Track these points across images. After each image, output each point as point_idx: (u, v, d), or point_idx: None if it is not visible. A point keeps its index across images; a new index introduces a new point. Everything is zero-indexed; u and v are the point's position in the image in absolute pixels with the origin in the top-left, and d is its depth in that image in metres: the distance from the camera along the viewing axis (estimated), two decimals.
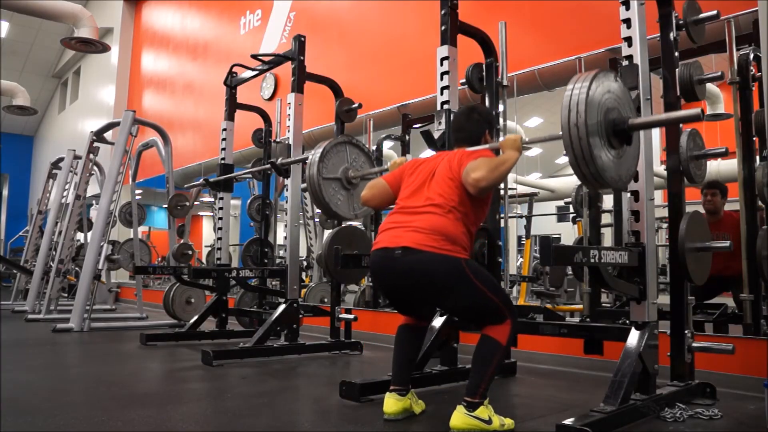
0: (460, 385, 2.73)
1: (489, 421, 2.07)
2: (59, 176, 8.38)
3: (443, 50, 3.16)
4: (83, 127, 13.65)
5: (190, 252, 6.69)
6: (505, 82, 3.49)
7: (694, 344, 2.58)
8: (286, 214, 4.15)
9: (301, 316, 4.03)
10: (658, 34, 2.77)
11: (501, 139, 2.42)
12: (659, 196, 3.99)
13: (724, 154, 2.88)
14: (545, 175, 12.46)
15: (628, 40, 2.48)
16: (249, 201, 6.39)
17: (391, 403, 2.28)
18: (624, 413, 2.15)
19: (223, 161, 4.91)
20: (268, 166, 4.24)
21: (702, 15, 2.87)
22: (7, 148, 16.03)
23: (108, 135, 7.49)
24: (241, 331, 4.88)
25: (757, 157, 3.48)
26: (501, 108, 3.48)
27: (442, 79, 3.13)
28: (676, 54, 2.80)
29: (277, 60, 4.57)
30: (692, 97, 3.00)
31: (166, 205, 6.79)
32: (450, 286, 2.16)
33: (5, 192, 17.67)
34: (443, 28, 3.18)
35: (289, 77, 4.24)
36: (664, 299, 2.64)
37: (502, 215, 3.44)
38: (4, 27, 13.70)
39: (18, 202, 17.08)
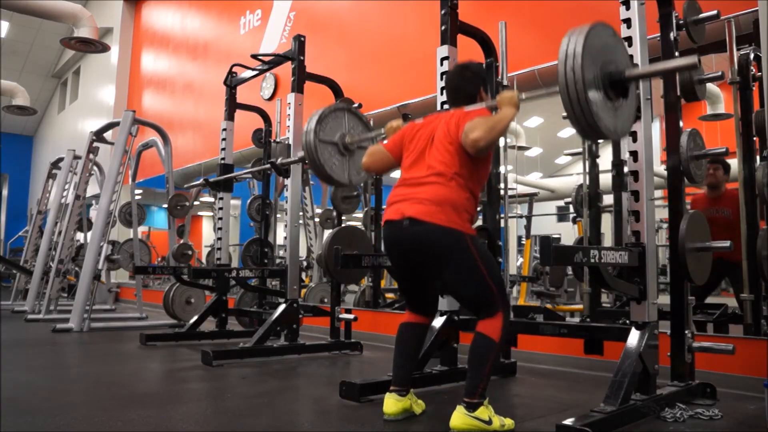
0: (460, 385, 2.72)
1: (489, 422, 2.07)
2: (59, 176, 8.38)
3: (443, 50, 3.16)
4: (83, 127, 13.65)
5: (189, 252, 6.69)
6: (505, 82, 3.49)
7: (695, 344, 2.58)
8: (286, 214, 4.15)
9: (301, 316, 4.02)
10: (659, 34, 2.77)
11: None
12: (659, 196, 3.99)
13: (725, 155, 2.89)
14: (545, 175, 12.47)
15: (629, 39, 2.48)
16: (249, 201, 6.39)
17: (391, 404, 2.27)
18: (624, 413, 2.15)
19: (223, 161, 4.91)
20: (268, 166, 4.23)
21: (702, 15, 2.87)
22: (7, 148, 16.04)
23: (108, 135, 7.49)
24: (241, 331, 4.88)
25: (758, 157, 3.48)
26: None
27: (442, 79, 3.13)
28: (677, 54, 2.80)
29: (277, 60, 4.57)
30: (692, 97, 3.01)
31: (166, 205, 6.79)
32: (451, 256, 2.16)
33: (5, 192, 17.68)
34: (443, 28, 3.18)
35: (289, 77, 4.24)
36: (665, 299, 2.64)
37: (502, 215, 3.43)
38: (4, 27, 13.70)
39: (18, 202, 17.08)
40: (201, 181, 5.11)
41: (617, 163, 4.03)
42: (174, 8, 11.17)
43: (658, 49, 2.76)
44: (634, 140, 2.48)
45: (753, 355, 2.87)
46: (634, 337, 2.34)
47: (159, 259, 11.33)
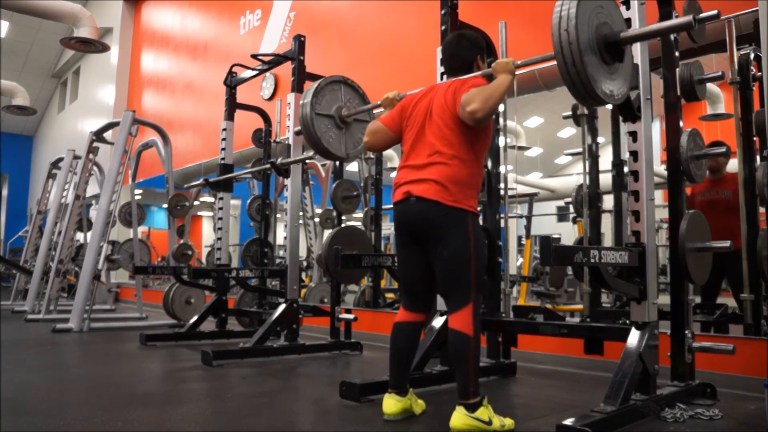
0: None
1: (489, 422, 2.06)
2: (59, 176, 8.38)
3: None
4: (83, 127, 13.65)
5: (189, 252, 6.69)
6: None
7: (695, 344, 2.58)
8: (286, 214, 4.15)
9: (301, 316, 4.02)
10: None
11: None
12: (659, 196, 3.98)
13: (725, 154, 2.88)
14: (545, 175, 12.47)
15: None
16: (249, 201, 6.40)
17: (391, 404, 2.27)
18: (624, 413, 2.15)
19: (223, 161, 4.90)
20: (268, 166, 4.23)
21: (702, 15, 2.86)
22: (7, 148, 16.03)
23: (108, 135, 7.49)
24: (241, 331, 4.88)
25: (758, 157, 3.48)
26: (501, 108, 3.48)
27: (442, 79, 3.13)
28: (677, 54, 2.80)
29: (277, 60, 4.57)
30: (693, 97, 3.01)
31: (165, 205, 6.79)
32: (450, 232, 2.19)
33: (5, 192, 17.67)
34: (443, 28, 3.18)
35: (289, 77, 4.24)
36: (665, 299, 2.64)
37: (502, 215, 3.43)
38: (4, 27, 13.69)
39: (18, 202, 17.08)
40: (201, 181, 5.11)
41: (617, 163, 4.04)
42: (174, 8, 11.17)
43: (658, 49, 2.76)
44: (634, 140, 2.48)
45: (753, 355, 2.87)
46: (634, 337, 2.34)
47: (159, 259, 11.33)
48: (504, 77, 2.22)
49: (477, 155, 2.30)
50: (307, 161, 4.27)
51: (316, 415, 2.53)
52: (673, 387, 2.52)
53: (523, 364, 3.49)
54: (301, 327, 4.05)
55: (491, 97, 2.13)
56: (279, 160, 4.04)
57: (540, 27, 4.82)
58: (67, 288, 8.45)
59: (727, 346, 2.52)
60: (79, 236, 8.28)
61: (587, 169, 4.13)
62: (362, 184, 5.95)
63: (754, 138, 3.49)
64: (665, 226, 4.36)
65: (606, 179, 4.21)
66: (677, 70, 2.82)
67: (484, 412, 2.08)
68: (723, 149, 2.85)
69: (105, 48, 9.77)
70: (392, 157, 8.70)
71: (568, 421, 1.94)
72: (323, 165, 7.50)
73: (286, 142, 4.12)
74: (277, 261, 6.08)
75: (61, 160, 8.58)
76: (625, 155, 2.59)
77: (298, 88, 4.14)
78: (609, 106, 2.78)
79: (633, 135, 2.49)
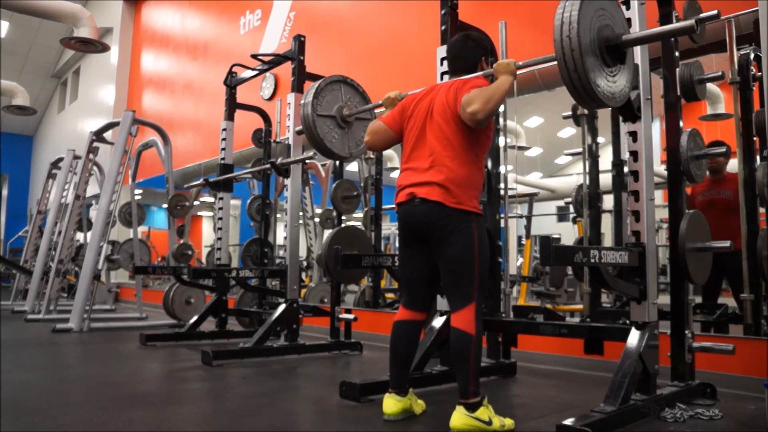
0: None
1: (489, 422, 2.06)
2: (59, 176, 8.38)
3: (443, 50, 3.15)
4: (83, 127, 13.65)
5: (189, 252, 6.69)
6: None
7: (695, 344, 2.58)
8: (286, 214, 4.15)
9: (301, 316, 4.02)
10: None
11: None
12: (659, 196, 3.99)
13: (725, 155, 2.88)
14: (545, 175, 12.47)
15: None
16: (249, 201, 6.40)
17: (391, 404, 2.27)
18: (624, 413, 2.15)
19: (223, 161, 4.90)
20: (268, 166, 4.23)
21: (702, 15, 2.86)
22: (7, 148, 16.03)
23: (108, 135, 7.49)
24: (241, 331, 4.88)
25: (758, 157, 3.48)
26: (501, 108, 3.48)
27: (441, 78, 3.13)
28: (677, 54, 2.80)
29: (277, 60, 4.57)
30: (693, 97, 3.01)
31: (165, 205, 6.79)
32: (453, 229, 2.19)
33: (5, 192, 17.67)
34: (443, 28, 3.18)
35: (289, 77, 4.24)
36: (665, 299, 2.64)
37: (502, 215, 3.43)
38: (4, 27, 13.69)
39: (18, 202, 17.08)
40: (201, 181, 5.11)
41: (617, 163, 4.04)
42: (174, 8, 11.17)
43: (658, 49, 2.76)
44: (634, 140, 2.48)
45: (753, 355, 2.87)
46: (634, 337, 2.34)
47: (159, 259, 11.33)
48: (505, 78, 2.22)
49: (478, 156, 2.30)
50: (307, 161, 4.27)
51: (316, 415, 2.53)
52: (673, 387, 2.52)
53: (523, 364, 3.49)
54: (301, 327, 4.05)
55: (492, 98, 2.13)
56: (279, 160, 4.04)
57: (540, 27, 4.83)
58: (67, 288, 8.45)
59: (727, 346, 2.52)
60: (79, 236, 8.28)
61: (587, 169, 4.13)
62: (362, 184, 5.94)
63: (754, 138, 3.49)
64: (665, 226, 4.37)
65: (606, 179, 4.21)
66: (677, 70, 2.82)
67: (484, 412, 2.08)
68: (723, 149, 2.85)
69: (105, 48, 9.77)
70: (392, 157, 8.71)
71: (568, 421, 1.94)
72: (323, 165, 7.50)
73: (286, 142, 4.12)
74: (277, 261, 6.08)
75: (61, 160, 8.58)
76: (625, 155, 2.59)
77: (298, 88, 4.14)
78: None
79: (633, 135, 2.49)
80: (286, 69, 4.46)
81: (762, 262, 3.26)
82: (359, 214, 6.14)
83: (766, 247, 3.27)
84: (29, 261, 8.59)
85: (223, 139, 4.90)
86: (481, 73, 2.41)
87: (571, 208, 4.55)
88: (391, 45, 6.30)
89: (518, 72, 2.29)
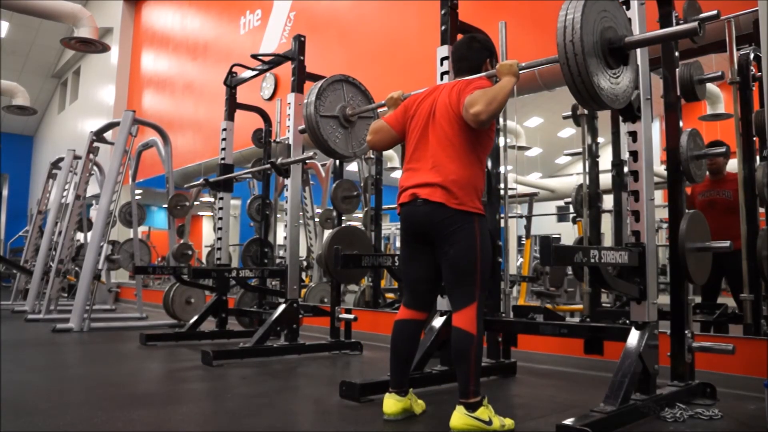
0: None
1: (489, 422, 2.07)
2: (59, 176, 8.38)
3: (443, 50, 3.16)
4: (83, 127, 13.65)
5: (189, 252, 6.69)
6: None
7: (694, 344, 2.58)
8: (286, 214, 4.15)
9: (301, 316, 4.02)
10: None
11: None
12: (659, 196, 3.99)
13: (725, 155, 2.88)
14: (545, 175, 12.46)
15: None
16: (249, 201, 6.40)
17: (391, 404, 2.28)
18: (624, 413, 2.15)
19: (223, 161, 4.91)
20: (268, 166, 4.23)
21: (702, 15, 2.87)
22: (7, 148, 16.02)
23: (108, 135, 7.49)
24: (241, 331, 4.88)
25: (757, 157, 3.48)
26: None
27: (442, 79, 3.13)
28: (677, 54, 2.80)
29: (277, 60, 4.57)
30: (692, 97, 3.01)
31: (166, 205, 6.79)
32: (455, 229, 2.19)
33: (5, 192, 17.67)
34: (443, 28, 3.18)
35: (289, 77, 4.24)
36: (665, 299, 2.64)
37: (502, 215, 3.44)
38: (4, 27, 13.69)
39: (18, 202, 17.08)
40: (201, 181, 5.11)
41: (617, 163, 4.04)
42: (174, 8, 11.17)
43: (658, 49, 2.76)
44: (634, 140, 2.48)
45: (753, 355, 2.87)
46: (634, 337, 2.34)
47: (159, 259, 11.33)
48: (508, 79, 2.22)
49: (479, 156, 2.30)
50: (307, 161, 4.27)
51: (316, 415, 2.53)
52: (673, 387, 2.52)
53: (523, 364, 3.49)
54: (301, 327, 4.05)
55: (495, 99, 2.13)
56: (279, 160, 4.04)
57: (540, 27, 4.84)
58: (68, 288, 8.46)
59: (727, 346, 2.52)
60: (80, 236, 8.29)
61: (587, 169, 4.13)
62: (362, 184, 5.94)
63: (754, 138, 3.49)
64: (665, 226, 4.37)
65: (606, 179, 4.21)
66: (677, 70, 2.82)
67: (485, 412, 2.08)
68: (722, 149, 2.85)
69: (105, 48, 9.77)
70: (392, 157, 8.70)
71: (568, 421, 1.94)
72: (323, 165, 7.50)
73: (286, 142, 4.12)
74: (277, 261, 6.08)
75: (61, 160, 8.58)
76: (625, 155, 2.59)
77: (298, 88, 4.15)
78: None
79: (633, 135, 2.49)
80: (286, 69, 4.46)
81: (762, 262, 3.26)
82: (359, 214, 6.14)
83: (766, 247, 3.27)
84: (29, 261, 8.59)
85: (223, 139, 4.90)
86: (484, 73, 2.42)
87: (571, 208, 4.55)
88: (391, 45, 6.30)
89: (520, 72, 2.29)
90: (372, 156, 5.81)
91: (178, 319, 5.52)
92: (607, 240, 4.71)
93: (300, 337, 4.03)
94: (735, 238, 3.19)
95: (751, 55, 3.48)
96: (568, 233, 8.67)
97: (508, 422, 2.14)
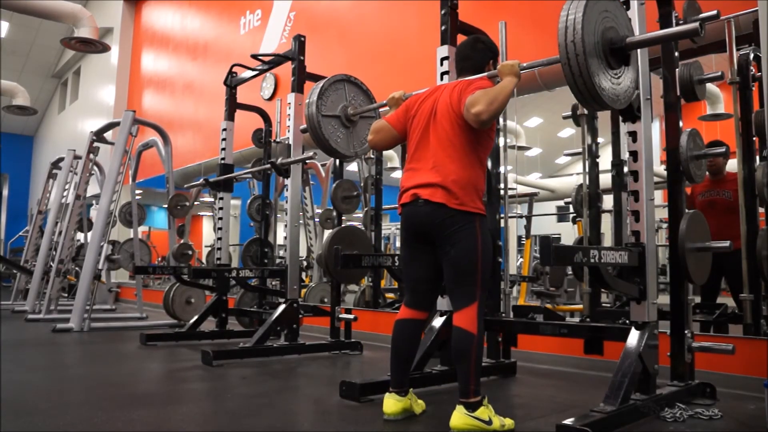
0: None
1: (489, 422, 2.07)
2: (59, 176, 8.38)
3: (443, 50, 3.16)
4: (83, 127, 13.65)
5: (190, 252, 6.69)
6: None
7: (694, 344, 2.58)
8: (286, 214, 4.15)
9: (301, 316, 4.02)
10: None
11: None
12: (659, 196, 3.98)
13: (725, 155, 2.88)
14: (545, 175, 12.46)
15: None
16: (249, 201, 6.40)
17: (391, 404, 2.28)
18: (624, 413, 2.15)
19: (223, 161, 4.91)
20: (268, 166, 4.23)
21: (702, 15, 2.87)
22: (7, 148, 16.02)
23: (108, 135, 7.49)
24: (241, 331, 4.88)
25: (757, 157, 3.48)
26: None
27: (442, 79, 3.13)
28: (676, 54, 2.80)
29: (277, 60, 4.57)
30: (692, 97, 3.01)
31: (166, 205, 6.79)
32: (457, 229, 2.20)
33: (5, 192, 17.66)
34: (443, 28, 3.18)
35: (289, 77, 4.24)
36: (665, 299, 2.64)
37: (502, 215, 3.44)
38: (4, 27, 13.69)
39: (18, 202, 17.07)
40: (201, 181, 5.11)
41: (617, 163, 4.04)
42: (174, 8, 11.17)
43: (657, 49, 2.76)
44: (634, 140, 2.49)
45: (753, 355, 2.87)
46: (634, 337, 2.34)
47: (159, 259, 11.33)
48: (509, 80, 2.23)
49: (480, 157, 2.31)
50: (307, 161, 4.27)
51: (316, 415, 2.53)
52: (673, 387, 2.52)
53: (523, 364, 3.49)
54: (301, 327, 4.05)
55: (496, 100, 2.13)
56: (279, 160, 4.04)
57: (540, 27, 4.84)
58: (68, 288, 8.46)
59: (727, 346, 2.52)
60: (80, 236, 8.28)
61: (587, 169, 4.13)
62: (362, 184, 5.95)
63: (754, 138, 3.49)
64: (665, 226, 4.37)
65: (606, 179, 4.21)
66: (677, 70, 2.82)
67: (485, 412, 2.08)
68: (722, 149, 2.85)
69: (105, 48, 9.77)
70: (392, 157, 8.70)
71: (568, 421, 1.94)
72: (323, 165, 7.50)
73: (286, 142, 4.12)
74: (277, 261, 6.08)
75: (61, 160, 8.58)
76: (625, 155, 2.59)
77: (298, 88, 4.15)
78: None
79: (633, 135, 2.49)
80: (286, 69, 4.46)
81: (761, 262, 3.26)
82: (359, 214, 6.14)
83: (766, 247, 3.27)
84: (30, 261, 8.59)
85: (223, 139, 4.90)
86: (485, 74, 2.42)
87: (571, 208, 4.55)
88: (391, 45, 6.30)
89: (521, 72, 2.29)
90: (372, 156, 5.81)
91: (178, 319, 5.52)
92: (607, 240, 4.70)
93: (300, 337, 4.03)
94: (735, 238, 3.19)
95: (751, 55, 3.48)
96: (568, 233, 8.66)
97: (508, 422, 2.14)
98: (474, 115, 2.13)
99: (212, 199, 6.33)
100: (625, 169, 2.71)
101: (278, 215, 6.27)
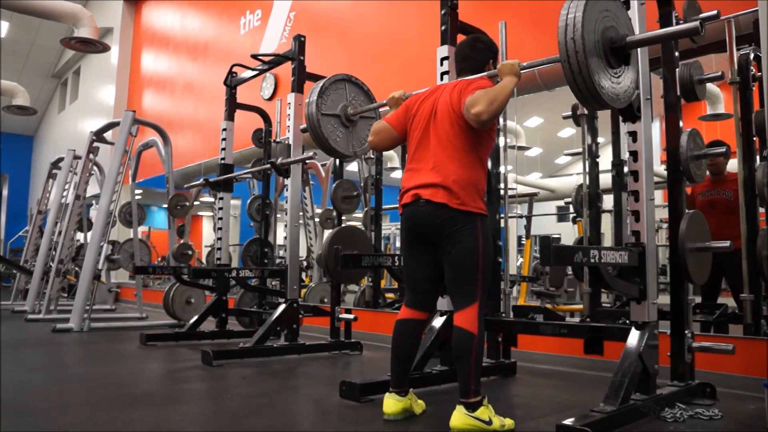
0: None
1: (489, 422, 2.07)
2: (59, 176, 8.38)
3: (443, 50, 3.16)
4: (83, 127, 13.65)
5: (190, 252, 6.69)
6: None
7: (695, 344, 2.58)
8: (286, 214, 4.15)
9: (301, 316, 4.02)
10: None
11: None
12: (659, 196, 3.98)
13: (725, 155, 2.88)
14: (545, 175, 12.47)
15: None
16: (249, 201, 6.40)
17: (391, 404, 2.28)
18: (624, 413, 2.15)
19: (223, 161, 4.91)
20: (268, 166, 4.23)
21: (702, 15, 2.87)
22: (7, 148, 16.02)
23: (108, 135, 7.49)
24: (241, 331, 4.88)
25: (757, 157, 3.48)
26: None
27: (442, 79, 3.13)
28: (677, 54, 2.80)
29: (277, 60, 4.57)
30: (692, 97, 3.01)
31: (166, 205, 6.79)
32: (458, 229, 2.20)
33: (5, 192, 17.66)
34: (443, 28, 3.18)
35: (289, 77, 4.24)
36: (665, 299, 2.64)
37: (502, 215, 3.44)
38: (4, 27, 13.69)
39: (18, 202, 17.07)
40: (201, 181, 5.11)
41: (617, 163, 4.04)
42: (174, 8, 11.17)
43: (657, 49, 2.76)
44: (634, 140, 2.48)
45: (753, 355, 2.87)
46: (634, 337, 2.34)
47: (159, 259, 11.33)
48: (509, 79, 2.22)
49: (481, 157, 2.31)
50: (307, 161, 4.27)
51: (316, 415, 2.53)
52: (673, 387, 2.52)
53: (523, 364, 3.49)
54: (301, 327, 4.05)
55: (496, 99, 2.13)
56: (279, 160, 4.04)
57: (540, 27, 4.84)
58: (68, 288, 8.45)
59: (727, 346, 2.52)
60: (80, 236, 8.28)
61: (587, 169, 4.13)
62: (362, 184, 5.94)
63: (754, 138, 3.49)
64: (665, 226, 4.36)
65: (606, 179, 4.21)
66: (677, 70, 2.82)
67: (485, 412, 2.08)
68: (722, 149, 2.85)
69: (105, 48, 9.77)
70: (392, 157, 8.70)
71: (568, 421, 1.94)
72: (323, 165, 7.50)
73: (286, 142, 4.12)
74: (277, 261, 6.08)
75: (61, 160, 8.58)
76: (625, 155, 2.59)
77: (298, 88, 4.15)
78: None
79: (633, 135, 2.49)
80: (286, 69, 4.46)
81: (762, 262, 3.26)
82: (359, 214, 6.14)
83: (766, 247, 3.27)
84: (29, 261, 8.59)
85: (223, 139, 4.90)
86: (485, 73, 2.42)
87: (571, 208, 4.55)
88: (391, 45, 6.30)
89: (522, 72, 2.29)
90: (372, 156, 5.81)
91: (178, 319, 5.52)
92: (607, 240, 4.70)
93: (300, 337, 4.03)
94: (735, 238, 3.19)
95: (751, 55, 3.48)
96: (568, 233, 8.67)
97: (508, 422, 2.14)
98: (474, 115, 2.13)
99: (212, 199, 6.32)
100: (625, 169, 2.71)
101: (278, 215, 6.27)
